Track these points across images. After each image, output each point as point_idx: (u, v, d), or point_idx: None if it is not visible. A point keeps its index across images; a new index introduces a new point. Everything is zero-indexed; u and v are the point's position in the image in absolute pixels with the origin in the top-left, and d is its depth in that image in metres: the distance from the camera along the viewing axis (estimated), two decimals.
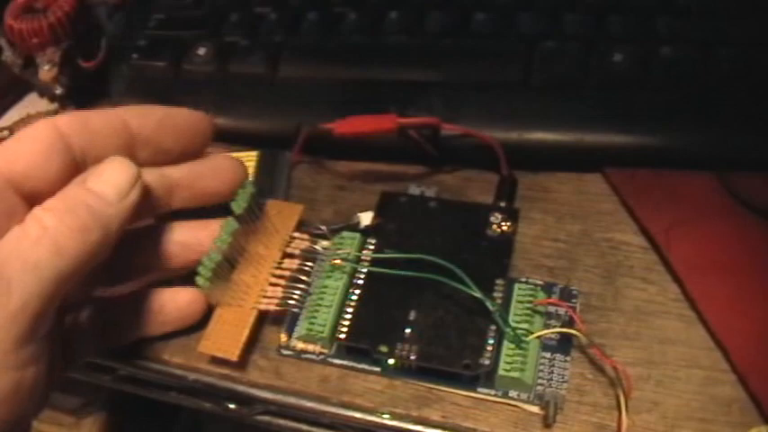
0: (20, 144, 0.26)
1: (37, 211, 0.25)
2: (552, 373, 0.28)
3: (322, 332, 0.29)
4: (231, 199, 0.29)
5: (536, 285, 0.30)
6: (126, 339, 0.31)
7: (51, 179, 0.26)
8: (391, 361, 0.28)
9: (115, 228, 0.26)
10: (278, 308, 0.30)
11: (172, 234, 0.30)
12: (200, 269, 0.28)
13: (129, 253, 0.29)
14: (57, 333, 0.27)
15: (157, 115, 0.29)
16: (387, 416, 0.28)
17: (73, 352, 0.29)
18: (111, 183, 0.26)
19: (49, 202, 0.25)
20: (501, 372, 0.27)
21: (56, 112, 0.44)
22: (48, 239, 0.24)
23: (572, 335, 0.28)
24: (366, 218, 0.33)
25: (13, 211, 0.25)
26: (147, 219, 0.30)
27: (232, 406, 0.32)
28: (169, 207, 0.29)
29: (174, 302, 0.30)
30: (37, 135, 0.26)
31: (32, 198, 0.26)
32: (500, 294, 0.29)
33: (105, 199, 0.26)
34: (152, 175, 0.28)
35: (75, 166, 0.27)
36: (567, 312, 0.29)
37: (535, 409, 0.27)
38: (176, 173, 0.29)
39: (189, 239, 0.30)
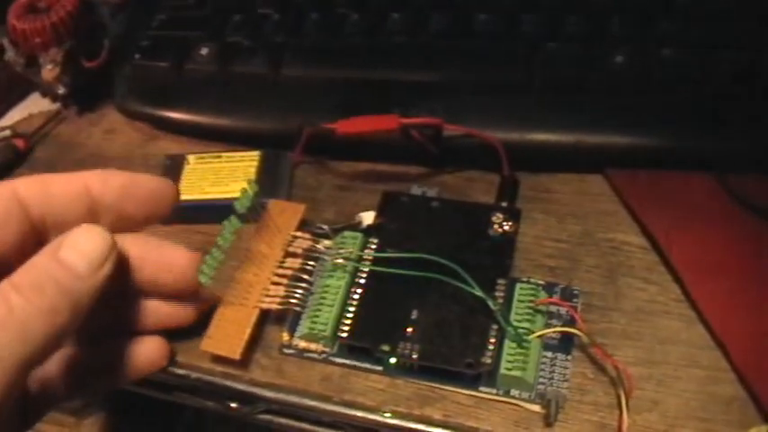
0: None
1: (4, 286, 0.23)
2: (553, 372, 0.28)
3: (324, 331, 0.29)
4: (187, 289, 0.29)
5: (537, 285, 0.30)
6: (97, 390, 0.30)
7: (8, 245, 0.25)
8: (393, 360, 0.28)
9: (86, 302, 0.24)
10: (280, 307, 0.30)
11: (141, 298, 0.29)
12: (203, 267, 0.28)
13: (98, 315, 0.26)
14: (19, 401, 0.26)
15: (120, 181, 0.28)
16: (388, 414, 0.28)
17: (38, 408, 0.28)
18: (83, 254, 0.24)
19: (16, 277, 0.23)
20: (503, 371, 0.27)
21: (58, 112, 0.44)
22: (13, 323, 0.22)
23: (573, 334, 0.28)
24: (368, 217, 0.33)
25: None
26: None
27: (234, 405, 0.32)
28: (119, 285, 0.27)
29: (144, 350, 0.29)
30: None
31: None
32: (502, 294, 0.29)
33: (76, 272, 0.24)
34: None
35: (35, 231, 0.26)
36: (568, 312, 0.29)
37: (536, 407, 0.27)
38: (130, 250, 0.27)
39: (158, 306, 0.29)
